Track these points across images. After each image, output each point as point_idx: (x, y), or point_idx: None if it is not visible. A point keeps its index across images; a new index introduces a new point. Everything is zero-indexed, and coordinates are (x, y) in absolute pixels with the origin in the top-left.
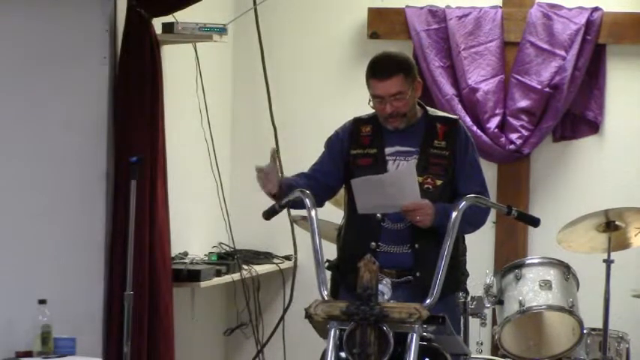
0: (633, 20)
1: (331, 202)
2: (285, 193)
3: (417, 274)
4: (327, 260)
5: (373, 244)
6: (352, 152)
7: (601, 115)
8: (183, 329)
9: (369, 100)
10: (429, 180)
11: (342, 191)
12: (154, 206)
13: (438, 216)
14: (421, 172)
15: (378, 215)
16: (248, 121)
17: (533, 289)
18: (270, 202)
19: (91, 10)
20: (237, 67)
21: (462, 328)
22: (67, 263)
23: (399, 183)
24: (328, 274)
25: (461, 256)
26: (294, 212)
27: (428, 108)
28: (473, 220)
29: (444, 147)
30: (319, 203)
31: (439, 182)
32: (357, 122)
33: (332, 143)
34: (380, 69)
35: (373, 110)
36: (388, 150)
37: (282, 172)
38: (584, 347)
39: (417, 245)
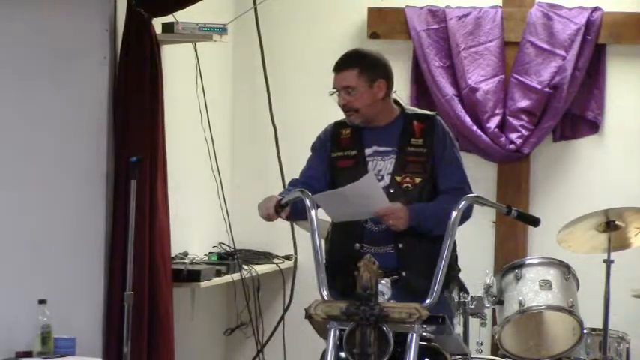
0: (633, 20)
1: None
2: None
3: (403, 273)
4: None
5: (357, 245)
6: (333, 155)
7: (601, 115)
8: (183, 329)
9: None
10: (407, 179)
11: None
12: (154, 206)
13: (414, 217)
14: (399, 171)
15: None
16: (248, 121)
17: (533, 289)
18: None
19: (91, 10)
20: (237, 67)
21: (462, 330)
22: (67, 263)
23: (363, 193)
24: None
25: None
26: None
27: (406, 106)
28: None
29: (421, 144)
30: None
31: (418, 180)
32: (338, 126)
33: (317, 147)
34: (338, 61)
35: None
36: (367, 151)
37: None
38: (584, 347)
39: (400, 245)
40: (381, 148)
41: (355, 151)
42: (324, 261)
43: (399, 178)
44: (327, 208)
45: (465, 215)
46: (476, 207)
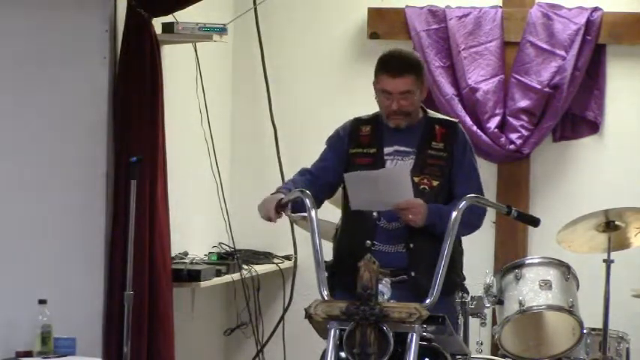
0: (633, 20)
1: (331, 201)
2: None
3: (412, 273)
4: (324, 262)
5: (368, 242)
6: (351, 151)
7: (601, 115)
8: (183, 329)
9: (376, 95)
10: (425, 180)
11: (340, 191)
12: (154, 206)
13: (431, 216)
14: (418, 172)
15: (374, 214)
16: (248, 121)
17: (533, 289)
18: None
19: (91, 10)
20: (237, 67)
21: (462, 330)
22: (67, 263)
23: (393, 181)
24: None
25: (457, 258)
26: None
27: (428, 110)
28: (468, 222)
29: (441, 149)
30: (319, 203)
31: (435, 183)
32: (357, 122)
33: (333, 141)
34: (394, 66)
35: (372, 112)
36: (387, 149)
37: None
38: (584, 347)
39: (411, 245)
40: (402, 148)
41: (374, 149)
42: (332, 257)
43: (417, 179)
44: (351, 189)
45: (476, 223)
46: None
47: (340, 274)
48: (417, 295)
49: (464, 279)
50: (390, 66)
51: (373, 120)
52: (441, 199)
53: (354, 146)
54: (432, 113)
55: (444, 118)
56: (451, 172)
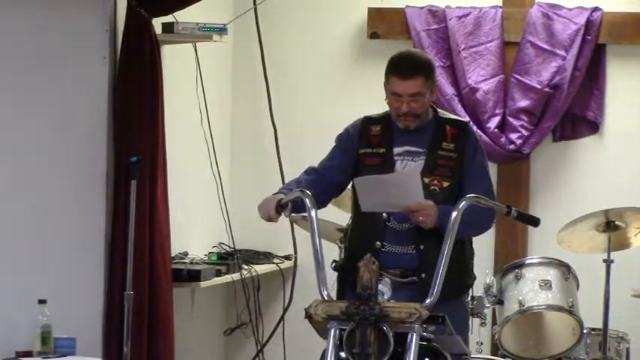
0: (633, 20)
1: (332, 202)
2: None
3: (422, 275)
4: (334, 261)
5: (378, 243)
6: (361, 151)
7: (601, 115)
8: (183, 329)
9: (386, 96)
10: (435, 182)
11: (344, 191)
12: (153, 206)
13: (442, 217)
14: (428, 173)
15: (384, 215)
16: (248, 121)
17: (533, 289)
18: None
19: (91, 10)
20: (237, 67)
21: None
22: (67, 263)
23: (403, 184)
24: (331, 274)
25: (469, 260)
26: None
27: (438, 110)
28: (477, 223)
29: (452, 149)
30: (324, 202)
31: (446, 184)
32: (367, 121)
33: (343, 139)
34: (404, 68)
35: (382, 111)
36: (397, 150)
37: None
38: (584, 347)
39: (421, 246)
40: (412, 149)
41: (384, 149)
42: (342, 258)
43: (427, 180)
44: (361, 193)
45: (485, 224)
46: None
47: (349, 274)
48: (426, 296)
49: (475, 278)
50: (401, 68)
51: (384, 119)
52: (451, 199)
53: (364, 146)
54: (442, 113)
55: (455, 119)
56: (462, 173)
